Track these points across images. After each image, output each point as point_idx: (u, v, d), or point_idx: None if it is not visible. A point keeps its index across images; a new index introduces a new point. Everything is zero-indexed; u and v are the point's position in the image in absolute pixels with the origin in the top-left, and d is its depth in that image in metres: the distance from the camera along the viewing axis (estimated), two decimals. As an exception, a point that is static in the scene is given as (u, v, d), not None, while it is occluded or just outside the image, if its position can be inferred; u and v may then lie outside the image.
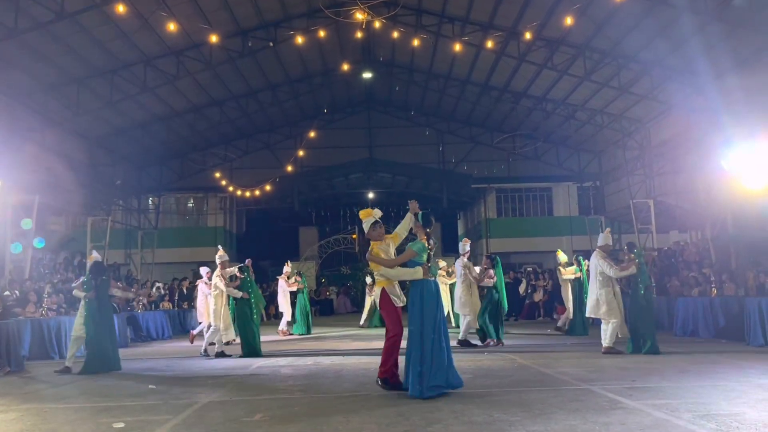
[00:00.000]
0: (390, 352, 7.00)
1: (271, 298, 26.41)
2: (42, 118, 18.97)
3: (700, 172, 18.02)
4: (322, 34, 19.91)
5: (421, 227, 7.05)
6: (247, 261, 12.37)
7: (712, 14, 14.50)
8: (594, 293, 10.44)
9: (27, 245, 16.79)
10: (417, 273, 6.75)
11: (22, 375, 9.58)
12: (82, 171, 21.63)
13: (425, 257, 6.83)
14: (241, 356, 11.20)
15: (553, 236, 29.09)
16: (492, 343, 11.89)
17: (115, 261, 24.97)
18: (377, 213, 7.22)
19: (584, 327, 14.13)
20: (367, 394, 6.78)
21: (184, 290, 20.55)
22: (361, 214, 7.24)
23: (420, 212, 7.12)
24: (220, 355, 11.45)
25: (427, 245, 6.87)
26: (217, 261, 12.00)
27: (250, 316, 11.52)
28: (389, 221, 34.25)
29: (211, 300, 11.98)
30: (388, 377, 6.98)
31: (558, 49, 19.42)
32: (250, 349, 11.34)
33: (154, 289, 20.05)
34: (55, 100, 18.97)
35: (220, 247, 12.87)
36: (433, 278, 6.88)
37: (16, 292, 13.68)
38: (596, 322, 17.39)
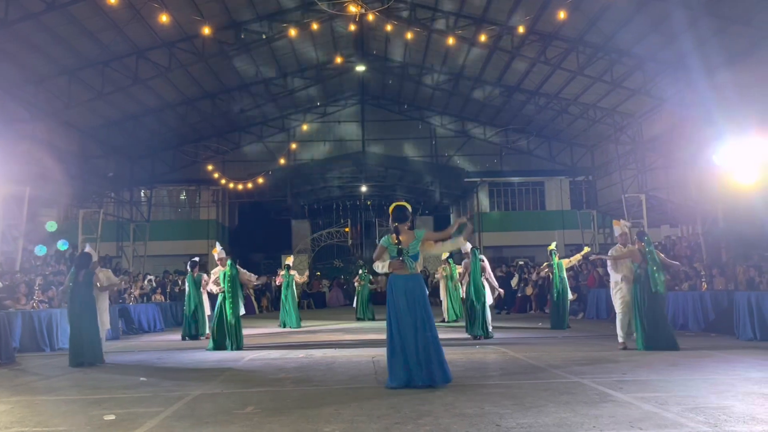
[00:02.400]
0: None
1: (262, 292, 26.54)
2: (33, 109, 18.86)
3: (692, 167, 18.09)
4: (315, 27, 19.86)
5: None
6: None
7: (704, 9, 14.54)
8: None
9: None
10: (385, 267, 6.96)
11: (12, 367, 9.54)
12: (74, 163, 21.54)
13: (395, 251, 6.81)
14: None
15: (545, 230, 29.18)
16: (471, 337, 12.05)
17: (107, 253, 24.90)
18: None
19: (560, 321, 14.40)
20: (359, 387, 6.80)
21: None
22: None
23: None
24: None
25: (393, 240, 6.86)
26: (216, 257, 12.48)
27: (223, 310, 11.38)
28: (381, 215, 34.36)
29: None
30: None
31: (551, 44, 19.42)
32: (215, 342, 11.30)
33: (145, 282, 20.01)
34: (45, 92, 18.85)
35: (217, 243, 13.30)
36: (410, 272, 6.83)
37: (7, 283, 13.62)
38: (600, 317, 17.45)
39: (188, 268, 15.02)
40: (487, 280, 12.52)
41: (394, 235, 6.88)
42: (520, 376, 7.27)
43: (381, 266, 7.04)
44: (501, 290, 13.65)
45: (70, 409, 6.08)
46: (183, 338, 14.11)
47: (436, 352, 6.60)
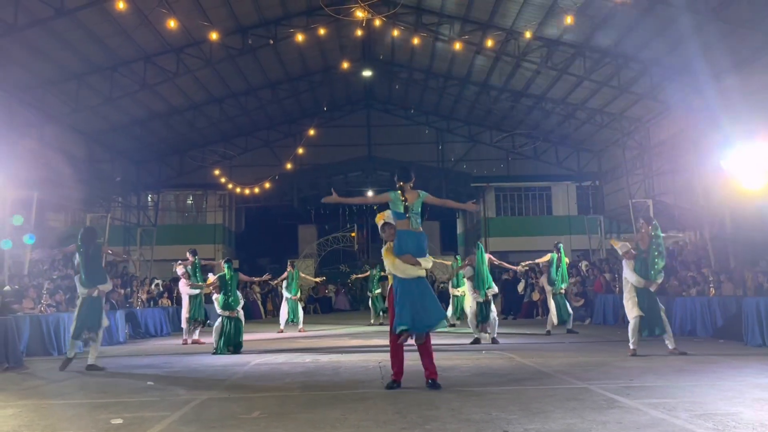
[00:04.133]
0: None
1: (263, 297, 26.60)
2: (41, 113, 18.96)
3: (699, 172, 18.03)
4: (322, 32, 19.88)
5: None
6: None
7: (711, 14, 14.49)
8: None
9: (20, 242, 16.67)
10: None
11: (20, 371, 9.56)
12: (81, 167, 21.62)
13: (401, 207, 6.98)
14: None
15: (552, 235, 29.06)
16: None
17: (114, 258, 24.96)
18: (388, 215, 7.36)
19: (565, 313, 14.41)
20: (365, 392, 6.79)
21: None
22: (376, 219, 7.53)
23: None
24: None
25: (400, 196, 7.00)
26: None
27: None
28: (388, 219, 34.34)
29: None
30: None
31: (557, 49, 19.41)
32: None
33: (153, 286, 20.05)
34: (54, 96, 18.95)
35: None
36: (416, 230, 7.04)
37: (16, 286, 13.66)
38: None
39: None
40: (499, 266, 12.83)
41: (400, 192, 7.03)
42: (527, 382, 7.26)
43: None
44: (510, 272, 13.86)
45: (77, 413, 6.10)
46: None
47: (431, 298, 7.06)
